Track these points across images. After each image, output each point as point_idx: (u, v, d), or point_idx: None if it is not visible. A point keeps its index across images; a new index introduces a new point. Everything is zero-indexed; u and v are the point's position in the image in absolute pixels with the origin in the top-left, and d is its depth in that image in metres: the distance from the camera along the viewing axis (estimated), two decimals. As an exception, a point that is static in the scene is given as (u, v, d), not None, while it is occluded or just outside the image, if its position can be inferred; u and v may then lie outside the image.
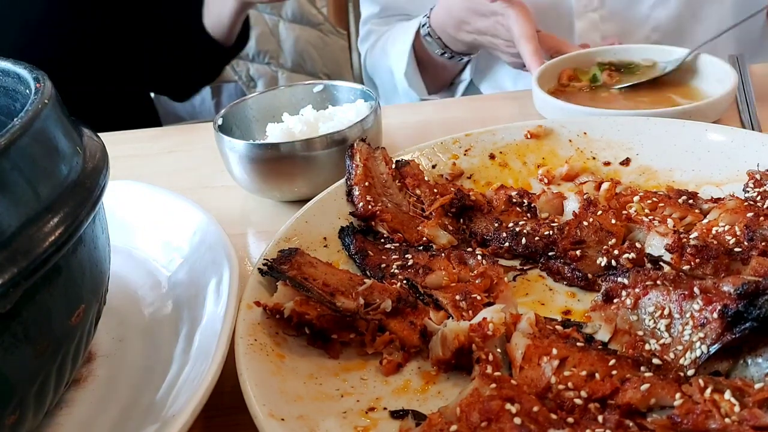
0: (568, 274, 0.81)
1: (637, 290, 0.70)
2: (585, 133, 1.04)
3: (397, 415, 0.65)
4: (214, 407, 0.67)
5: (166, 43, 1.80)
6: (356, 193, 0.93)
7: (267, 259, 0.79)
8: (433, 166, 1.03)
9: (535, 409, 0.58)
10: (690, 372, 0.64)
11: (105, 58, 1.82)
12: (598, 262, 0.80)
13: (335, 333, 0.73)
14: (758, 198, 0.85)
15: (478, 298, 0.75)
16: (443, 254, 0.83)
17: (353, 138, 1.01)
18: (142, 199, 0.94)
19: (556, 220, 0.89)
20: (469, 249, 0.86)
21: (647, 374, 0.62)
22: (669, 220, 0.83)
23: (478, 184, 1.02)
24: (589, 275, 0.79)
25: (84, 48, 1.76)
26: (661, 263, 0.77)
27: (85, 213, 0.56)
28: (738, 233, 0.78)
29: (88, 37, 1.77)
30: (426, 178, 0.97)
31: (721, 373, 0.64)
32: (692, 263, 0.75)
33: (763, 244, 0.76)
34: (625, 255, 0.79)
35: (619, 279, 0.73)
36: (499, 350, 0.68)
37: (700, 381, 0.59)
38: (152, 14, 1.80)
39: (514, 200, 0.93)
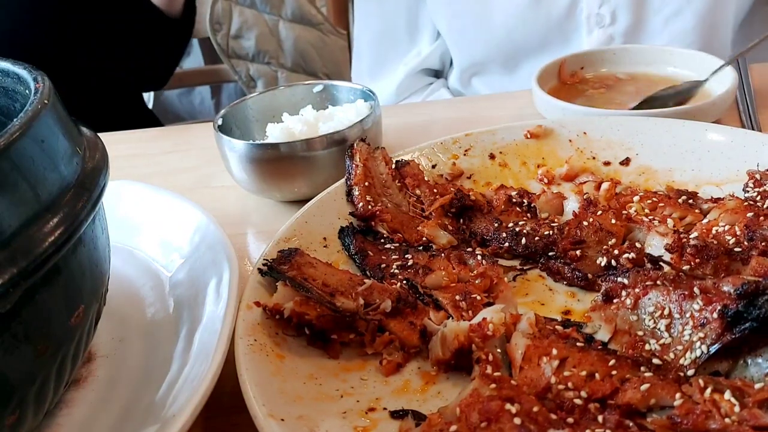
0: (568, 274, 0.80)
1: (637, 290, 0.70)
2: (585, 133, 1.04)
3: (397, 415, 0.65)
4: (214, 407, 0.67)
5: (119, 25, 1.85)
6: (356, 193, 0.93)
7: (267, 260, 0.79)
8: (433, 166, 1.03)
9: (535, 409, 0.58)
10: (690, 372, 0.64)
11: (85, 56, 1.84)
12: (598, 262, 0.80)
13: (335, 333, 0.73)
14: (758, 198, 0.85)
15: (478, 298, 0.75)
16: (443, 254, 0.83)
17: (353, 138, 1.01)
18: (142, 199, 0.94)
19: (556, 220, 0.89)
20: (469, 249, 0.86)
21: (647, 374, 0.62)
22: (669, 220, 0.83)
23: (478, 184, 1.02)
24: (589, 275, 0.79)
25: (67, 47, 1.78)
26: (661, 263, 0.77)
27: (85, 213, 0.56)
28: (738, 233, 0.78)
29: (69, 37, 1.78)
30: (426, 178, 0.97)
31: (721, 373, 0.64)
32: (692, 263, 0.75)
33: (763, 244, 0.76)
34: (625, 255, 0.79)
35: (619, 279, 0.73)
36: (499, 350, 0.68)
37: (700, 381, 0.59)
38: None
39: (514, 200, 0.93)
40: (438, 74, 1.83)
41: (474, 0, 1.59)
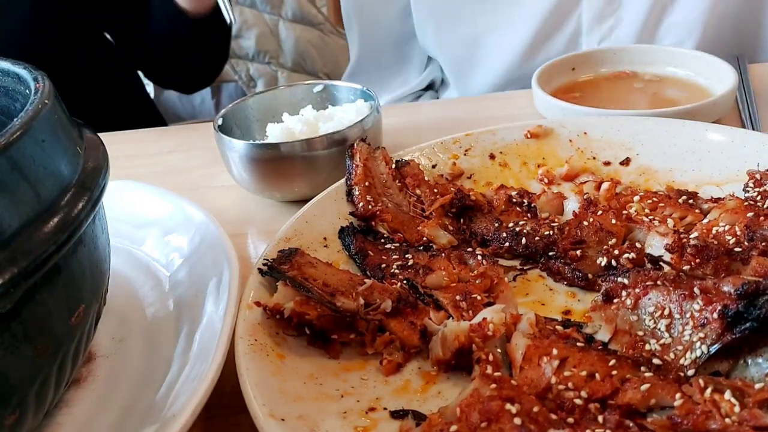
0: (569, 274, 0.80)
1: (637, 290, 0.70)
2: (585, 133, 1.04)
3: (397, 415, 0.65)
4: (214, 407, 0.67)
5: (151, 27, 1.78)
6: (356, 193, 0.93)
7: (267, 259, 0.79)
8: (433, 166, 1.03)
9: (535, 409, 0.58)
10: (690, 372, 0.64)
11: (94, 56, 1.83)
12: (598, 262, 0.80)
13: (335, 333, 0.73)
14: (758, 198, 0.85)
15: (478, 298, 0.75)
16: (443, 254, 0.83)
17: (353, 138, 1.01)
18: (142, 199, 0.94)
19: (556, 220, 0.89)
20: (469, 249, 0.86)
21: (647, 374, 0.62)
22: (669, 220, 0.83)
23: (478, 184, 1.02)
24: (589, 275, 0.79)
25: (73, 46, 1.76)
26: (661, 263, 0.77)
27: (85, 213, 0.56)
28: (738, 233, 0.78)
29: (75, 36, 1.77)
30: (426, 178, 0.97)
31: (721, 373, 0.64)
32: (692, 263, 0.75)
33: (763, 244, 0.76)
34: (625, 255, 0.79)
35: (619, 279, 0.73)
36: (499, 350, 0.68)
37: (700, 381, 0.59)
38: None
39: (514, 200, 0.93)
40: (428, 87, 1.82)
41: (466, 45, 1.59)
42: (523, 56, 1.53)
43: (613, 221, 0.83)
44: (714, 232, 0.79)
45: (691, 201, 0.87)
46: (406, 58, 1.75)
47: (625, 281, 0.72)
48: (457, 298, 0.75)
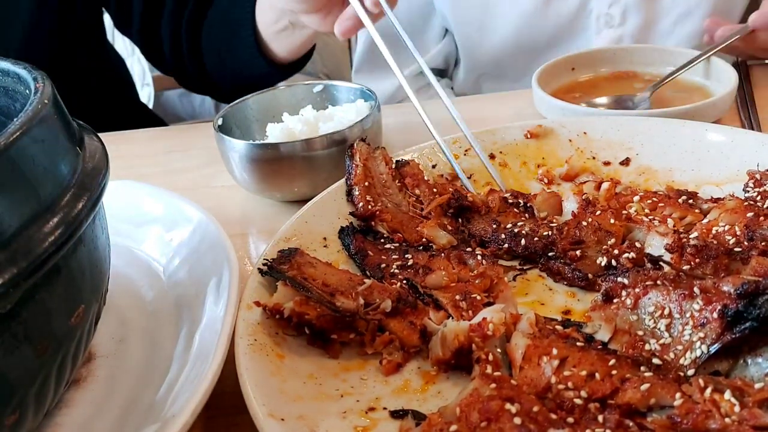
0: (568, 274, 0.80)
1: (637, 290, 0.70)
2: (585, 133, 1.04)
3: (397, 415, 0.65)
4: (214, 407, 0.67)
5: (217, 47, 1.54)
6: (356, 193, 0.93)
7: (267, 259, 0.79)
8: (433, 166, 1.03)
9: (535, 409, 0.58)
10: (690, 372, 0.64)
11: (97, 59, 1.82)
12: (598, 262, 0.80)
13: (335, 333, 0.73)
14: (758, 198, 0.85)
15: (478, 298, 0.75)
16: (443, 254, 0.83)
17: (353, 138, 1.01)
18: (142, 199, 0.94)
19: (554, 220, 0.89)
20: (469, 249, 0.86)
21: (647, 374, 0.62)
22: (669, 220, 0.83)
23: (478, 184, 1.02)
24: (589, 275, 0.79)
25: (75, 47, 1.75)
26: (661, 263, 0.77)
27: (85, 213, 0.56)
28: (738, 233, 0.78)
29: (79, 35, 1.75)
30: (426, 178, 0.97)
31: (721, 373, 0.64)
32: (692, 263, 0.75)
33: (763, 243, 0.76)
34: (625, 255, 0.79)
35: (619, 279, 0.73)
36: (499, 350, 0.68)
37: (700, 381, 0.59)
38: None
39: (510, 201, 0.93)
40: (442, 73, 1.82)
41: (478, 7, 1.59)
42: (531, 19, 1.53)
43: (612, 221, 0.83)
44: (714, 232, 0.79)
45: (690, 201, 0.87)
46: (427, 28, 1.74)
47: (625, 281, 0.72)
48: (457, 297, 0.75)
